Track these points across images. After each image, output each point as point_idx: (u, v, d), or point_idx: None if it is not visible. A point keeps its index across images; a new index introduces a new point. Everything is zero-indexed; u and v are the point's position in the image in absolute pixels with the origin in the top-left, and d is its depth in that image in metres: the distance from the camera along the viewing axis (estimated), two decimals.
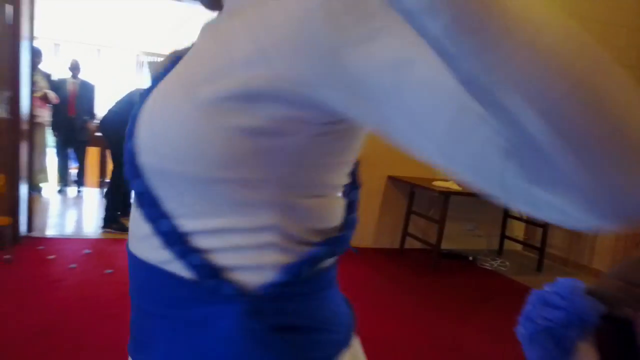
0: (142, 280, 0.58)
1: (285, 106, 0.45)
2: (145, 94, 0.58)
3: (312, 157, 0.51)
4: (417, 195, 4.72)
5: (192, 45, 0.60)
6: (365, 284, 3.98)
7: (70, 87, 6.02)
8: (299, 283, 0.55)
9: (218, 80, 0.46)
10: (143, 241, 0.56)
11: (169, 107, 0.51)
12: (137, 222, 0.57)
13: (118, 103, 4.43)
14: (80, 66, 6.16)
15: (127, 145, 0.56)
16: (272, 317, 0.54)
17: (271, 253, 0.53)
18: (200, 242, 0.52)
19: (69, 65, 6.11)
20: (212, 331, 0.53)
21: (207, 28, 0.59)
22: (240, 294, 0.52)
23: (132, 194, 0.57)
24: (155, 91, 0.56)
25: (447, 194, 4.17)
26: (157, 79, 0.59)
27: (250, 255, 0.53)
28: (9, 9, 3.73)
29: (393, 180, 4.80)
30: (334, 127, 0.49)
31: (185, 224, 0.52)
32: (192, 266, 0.52)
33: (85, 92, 6.15)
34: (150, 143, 0.52)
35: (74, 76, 6.08)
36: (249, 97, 0.45)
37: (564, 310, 1.20)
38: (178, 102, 0.49)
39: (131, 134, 0.55)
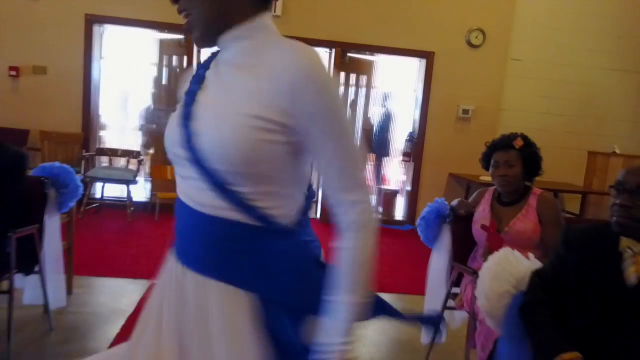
0: (205, 227, 0.92)
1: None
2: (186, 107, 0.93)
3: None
4: (472, 188, 5.87)
5: (206, 80, 0.95)
6: (422, 256, 5.27)
7: None
8: (304, 219, 0.97)
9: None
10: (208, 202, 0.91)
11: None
12: (200, 190, 0.90)
13: None
14: None
15: (183, 136, 0.89)
16: (300, 236, 0.95)
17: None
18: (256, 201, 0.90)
19: None
20: (277, 254, 0.92)
21: (217, 71, 0.95)
22: (288, 230, 0.93)
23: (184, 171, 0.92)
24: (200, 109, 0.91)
25: (487, 185, 5.30)
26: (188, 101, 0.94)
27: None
28: None
29: (453, 176, 6.02)
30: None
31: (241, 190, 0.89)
32: (255, 217, 0.90)
33: None
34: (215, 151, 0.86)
35: None
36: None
37: (431, 208, 2.55)
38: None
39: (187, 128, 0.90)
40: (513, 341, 1.54)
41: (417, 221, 2.62)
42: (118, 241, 4.58)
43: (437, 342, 2.61)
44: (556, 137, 6.12)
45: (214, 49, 0.99)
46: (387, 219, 6.42)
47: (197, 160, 0.88)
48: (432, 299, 2.55)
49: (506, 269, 1.64)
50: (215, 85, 0.94)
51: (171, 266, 1.00)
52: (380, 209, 6.62)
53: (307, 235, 0.99)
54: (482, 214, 2.46)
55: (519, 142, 2.40)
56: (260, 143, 0.85)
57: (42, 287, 2.55)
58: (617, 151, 5.89)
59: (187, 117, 0.92)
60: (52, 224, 2.57)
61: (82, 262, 3.63)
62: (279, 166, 0.89)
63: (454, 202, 2.59)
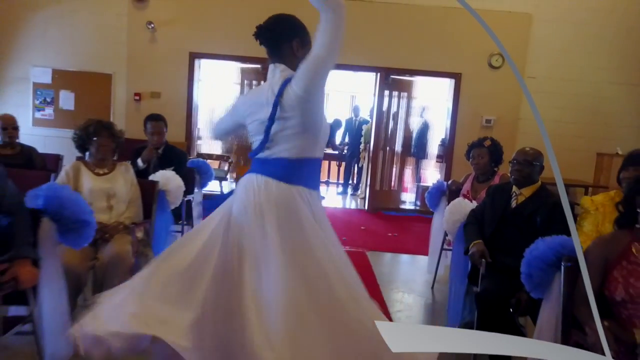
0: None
1: None
2: None
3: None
4: None
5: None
6: None
7: None
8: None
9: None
10: None
11: None
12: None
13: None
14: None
15: None
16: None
17: None
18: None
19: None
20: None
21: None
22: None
23: None
24: None
25: None
26: None
27: None
28: None
29: None
30: None
31: None
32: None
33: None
34: None
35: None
36: None
37: (434, 186, 3.96)
38: None
39: None
40: (459, 242, 2.96)
41: (425, 194, 4.02)
42: None
43: (438, 274, 4.01)
44: (568, 141, 7.27)
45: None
46: (425, 209, 7.76)
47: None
48: (434, 244, 3.96)
49: (458, 209, 3.06)
50: None
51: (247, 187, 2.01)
52: (419, 202, 7.99)
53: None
54: (465, 188, 3.84)
55: (487, 142, 3.77)
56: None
57: None
58: (620, 152, 6.97)
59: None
60: (197, 196, 4.19)
61: None
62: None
63: (450, 182, 3.98)
